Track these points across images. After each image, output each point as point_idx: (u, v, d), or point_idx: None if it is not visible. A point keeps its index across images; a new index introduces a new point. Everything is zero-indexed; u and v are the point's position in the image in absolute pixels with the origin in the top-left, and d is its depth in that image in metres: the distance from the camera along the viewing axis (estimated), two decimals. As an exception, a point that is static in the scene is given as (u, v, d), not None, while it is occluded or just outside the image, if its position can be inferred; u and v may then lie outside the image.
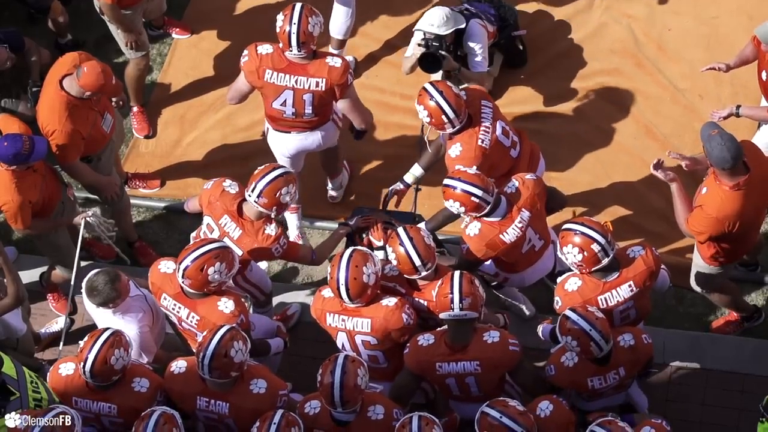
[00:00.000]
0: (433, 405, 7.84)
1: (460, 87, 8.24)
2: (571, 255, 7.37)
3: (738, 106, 8.37)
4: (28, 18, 10.20)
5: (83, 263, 8.67)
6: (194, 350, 7.63)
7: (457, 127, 8.01)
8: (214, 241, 7.57)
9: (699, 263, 8.08)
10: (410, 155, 9.28)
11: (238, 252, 7.76)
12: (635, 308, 7.55)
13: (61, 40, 10.16)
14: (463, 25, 8.98)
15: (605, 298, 7.43)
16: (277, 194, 7.66)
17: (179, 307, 7.62)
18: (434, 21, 8.88)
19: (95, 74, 8.22)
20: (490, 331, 7.32)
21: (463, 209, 7.67)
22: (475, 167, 7.82)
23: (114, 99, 8.89)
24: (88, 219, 8.34)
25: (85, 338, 7.24)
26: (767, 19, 8.25)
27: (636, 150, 9.40)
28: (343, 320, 7.53)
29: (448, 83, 8.03)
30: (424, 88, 7.98)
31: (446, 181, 7.70)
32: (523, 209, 7.73)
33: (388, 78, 9.87)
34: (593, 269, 7.39)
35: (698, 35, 9.89)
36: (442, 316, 7.31)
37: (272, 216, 7.77)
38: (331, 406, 7.01)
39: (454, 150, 8.03)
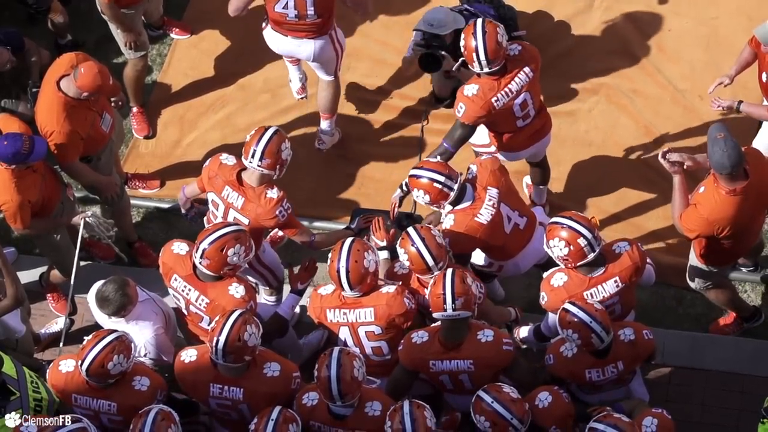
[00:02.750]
0: (439, 396, 7.82)
1: (521, 42, 8.31)
2: (557, 249, 7.39)
3: (740, 102, 8.38)
4: (27, 18, 10.20)
5: (82, 263, 8.67)
6: (193, 340, 7.66)
7: (485, 71, 8.04)
8: (232, 224, 7.60)
9: (693, 261, 8.09)
10: (410, 155, 9.30)
11: (245, 221, 7.80)
12: (620, 303, 7.56)
13: (61, 41, 10.15)
14: (463, 25, 8.95)
15: (591, 294, 7.44)
16: (278, 152, 7.72)
17: (189, 289, 7.62)
18: (433, 21, 8.87)
19: (92, 75, 8.22)
20: (484, 330, 7.33)
21: (428, 197, 7.72)
22: (474, 117, 8.01)
23: (113, 99, 8.89)
24: (87, 219, 8.34)
25: (90, 336, 7.23)
26: (766, 20, 8.25)
27: (635, 150, 9.40)
28: (345, 314, 7.53)
29: (499, 28, 8.05)
30: (474, 23, 8.05)
31: (412, 171, 7.76)
32: (488, 187, 7.77)
33: (387, 78, 9.87)
34: (579, 264, 7.40)
35: (698, 36, 9.89)
36: (435, 315, 7.32)
37: (275, 176, 7.80)
38: (330, 400, 7.04)
39: (469, 89, 8.10)
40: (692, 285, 8.29)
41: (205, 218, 8.21)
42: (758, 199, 7.60)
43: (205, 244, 7.46)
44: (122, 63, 9.74)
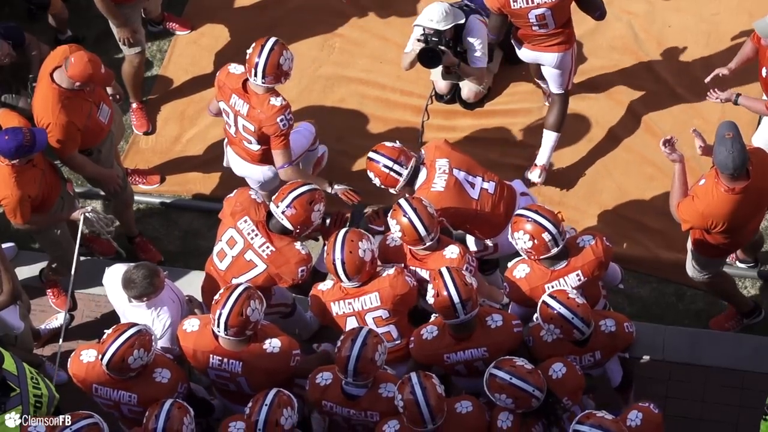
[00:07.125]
0: (447, 377, 7.80)
1: None
2: (521, 241, 7.40)
3: (738, 95, 8.37)
4: (27, 14, 10.20)
5: (82, 259, 8.67)
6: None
7: None
8: (310, 183, 7.78)
9: (689, 251, 8.08)
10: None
11: (251, 128, 8.09)
12: (584, 296, 7.49)
13: (61, 36, 10.15)
14: (463, 21, 8.98)
15: (552, 287, 7.42)
16: (279, 66, 7.96)
17: (256, 234, 7.71)
18: (434, 16, 8.88)
19: (82, 64, 8.22)
20: (492, 315, 7.35)
21: (378, 180, 7.87)
22: (491, 3, 8.44)
23: (111, 93, 8.87)
24: (87, 214, 8.35)
25: (110, 330, 7.23)
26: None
27: (635, 146, 9.40)
28: (350, 303, 7.55)
29: None
30: None
31: (369, 154, 7.90)
32: (436, 160, 7.84)
33: (387, 74, 9.87)
34: (542, 257, 7.41)
35: (698, 32, 9.88)
36: (448, 322, 7.31)
37: (281, 83, 8.07)
38: (344, 375, 7.05)
39: None
40: (690, 275, 8.28)
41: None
42: (757, 200, 7.59)
43: (293, 195, 7.61)
44: (122, 58, 9.73)
